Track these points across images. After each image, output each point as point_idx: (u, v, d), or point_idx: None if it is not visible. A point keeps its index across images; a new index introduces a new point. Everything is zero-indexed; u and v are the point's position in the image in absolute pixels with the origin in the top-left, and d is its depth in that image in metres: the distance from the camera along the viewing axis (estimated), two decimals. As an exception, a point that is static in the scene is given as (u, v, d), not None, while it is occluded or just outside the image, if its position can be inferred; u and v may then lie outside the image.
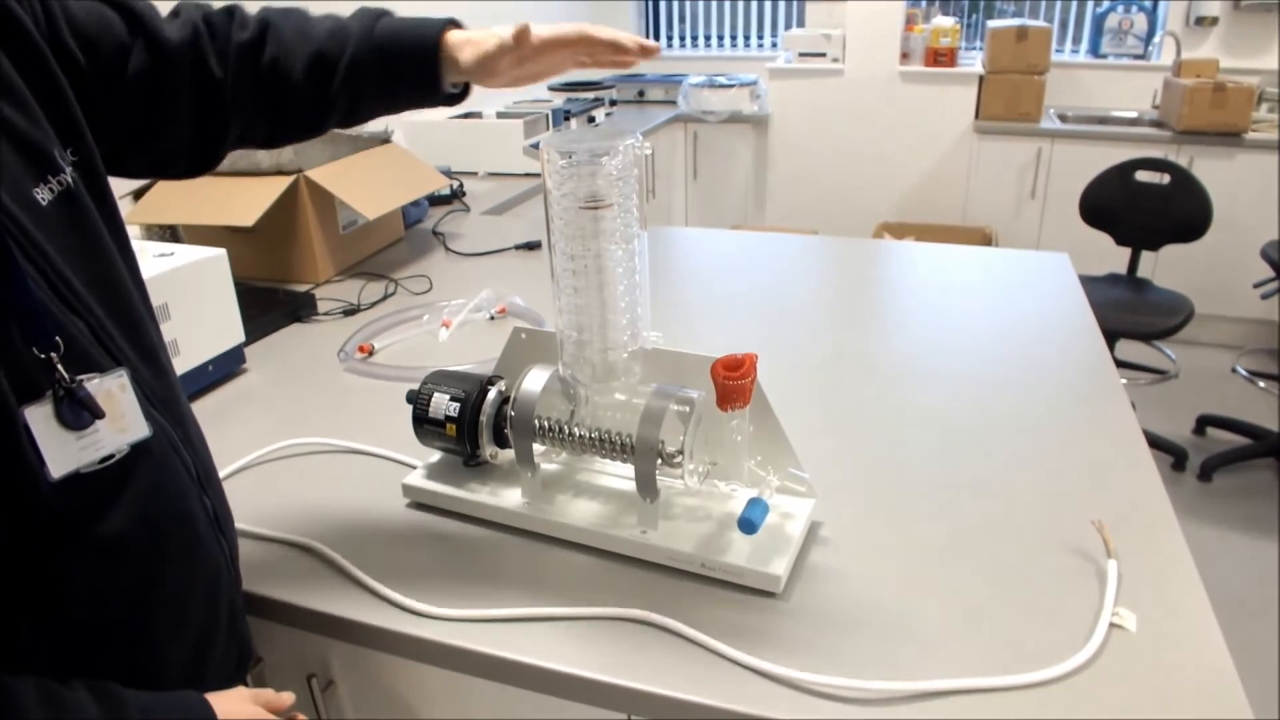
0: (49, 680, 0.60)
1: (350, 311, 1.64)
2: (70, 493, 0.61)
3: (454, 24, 0.90)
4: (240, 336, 1.38)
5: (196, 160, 0.88)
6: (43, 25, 0.69)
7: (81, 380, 0.62)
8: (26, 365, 0.59)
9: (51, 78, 0.68)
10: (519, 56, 0.88)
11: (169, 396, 0.73)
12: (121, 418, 0.66)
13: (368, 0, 0.93)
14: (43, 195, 0.64)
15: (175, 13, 0.84)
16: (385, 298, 1.72)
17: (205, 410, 1.28)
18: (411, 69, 0.88)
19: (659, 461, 0.87)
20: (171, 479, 0.70)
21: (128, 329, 0.70)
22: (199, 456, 0.76)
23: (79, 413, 0.62)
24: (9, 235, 0.59)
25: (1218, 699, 0.73)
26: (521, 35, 0.86)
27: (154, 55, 0.79)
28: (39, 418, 0.59)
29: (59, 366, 0.61)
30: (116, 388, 0.65)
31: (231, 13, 0.87)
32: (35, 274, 0.61)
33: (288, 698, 0.78)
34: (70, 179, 0.67)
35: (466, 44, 0.87)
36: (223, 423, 1.24)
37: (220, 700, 0.71)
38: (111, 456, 0.64)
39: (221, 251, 1.34)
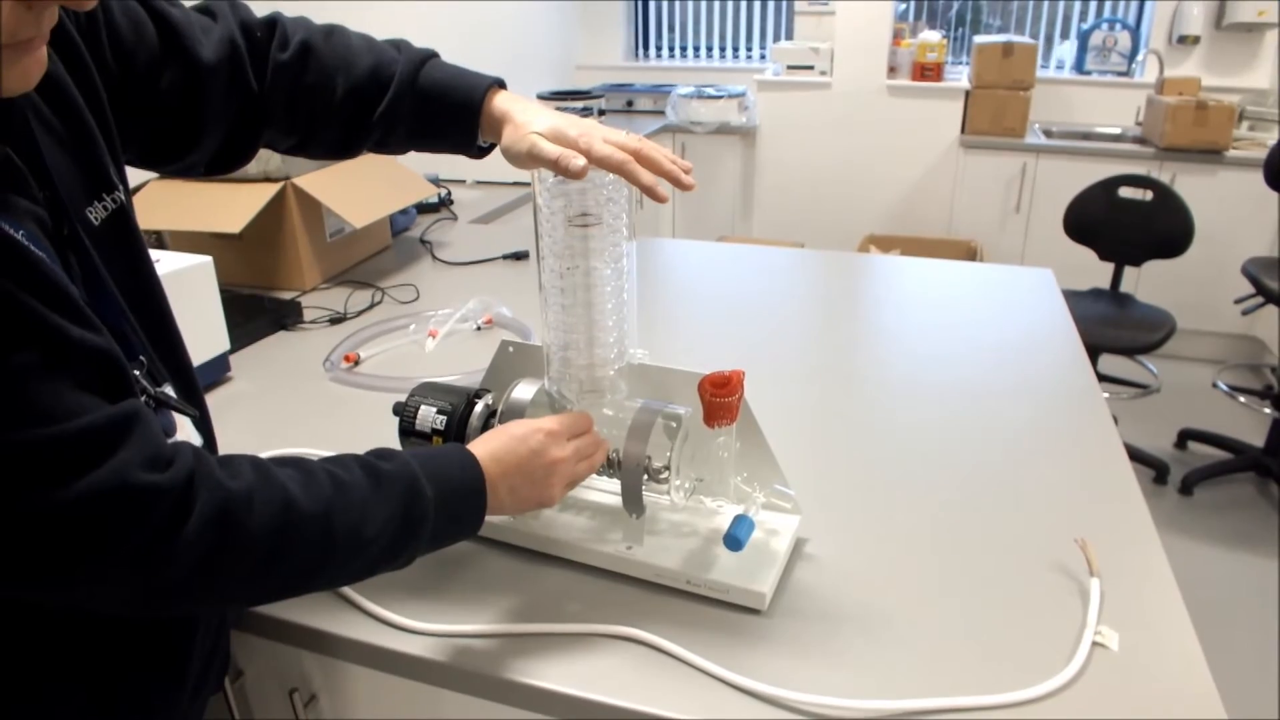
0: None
1: (336, 320, 1.63)
2: None
3: (499, 85, 0.87)
4: (225, 344, 1.37)
5: (220, 164, 0.87)
6: (85, 33, 0.68)
7: (162, 390, 0.64)
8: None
9: (99, 96, 0.68)
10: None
11: (201, 417, 0.75)
12: (181, 429, 0.69)
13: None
14: (95, 214, 0.64)
15: (211, 13, 0.81)
16: (372, 306, 1.71)
17: (189, 419, 1.27)
18: (449, 126, 0.87)
19: (645, 477, 0.87)
20: None
21: (164, 349, 0.71)
22: None
23: (169, 416, 0.64)
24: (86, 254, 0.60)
25: (1198, 715, 0.74)
26: (566, 169, 0.76)
27: (189, 74, 0.77)
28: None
29: (143, 380, 0.62)
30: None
31: (273, 26, 0.85)
32: (112, 298, 0.62)
33: (582, 420, 0.86)
34: (122, 197, 0.67)
35: (508, 124, 0.82)
36: (206, 432, 1.23)
37: (478, 446, 0.79)
38: None
39: (207, 259, 1.33)
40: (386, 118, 0.86)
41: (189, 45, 0.76)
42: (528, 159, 0.78)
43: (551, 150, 0.76)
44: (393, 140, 0.89)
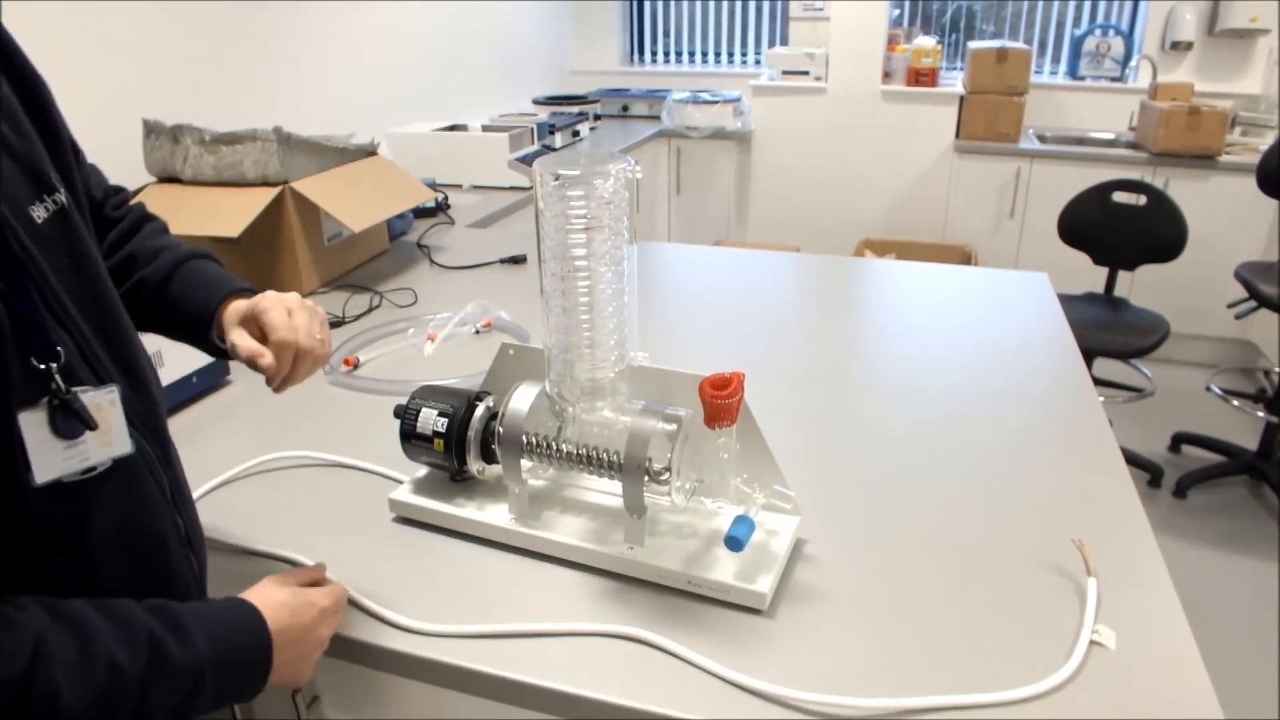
0: (100, 599, 0.63)
1: (335, 324, 1.63)
2: (49, 500, 0.62)
3: (239, 293, 0.91)
4: (225, 349, 1.37)
5: None
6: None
7: (76, 392, 0.63)
8: (25, 373, 0.60)
9: (48, 109, 0.70)
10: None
11: (150, 416, 0.74)
12: (109, 431, 0.67)
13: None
14: (38, 213, 0.66)
15: (93, 168, 0.92)
16: (370, 310, 1.72)
17: (189, 422, 1.27)
18: (183, 321, 0.92)
19: (646, 479, 0.88)
20: (145, 497, 0.71)
21: (114, 347, 0.71)
22: (174, 476, 0.77)
23: (72, 423, 0.63)
24: (15, 247, 0.60)
25: (1194, 714, 0.74)
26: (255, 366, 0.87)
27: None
28: (32, 423, 0.60)
29: (56, 377, 0.62)
30: (107, 402, 0.66)
31: (119, 190, 0.96)
32: (32, 289, 0.62)
33: (319, 570, 0.83)
34: (64, 199, 0.68)
35: (235, 329, 0.88)
36: (207, 435, 1.23)
37: (257, 595, 0.74)
38: (94, 469, 0.65)
39: (207, 263, 1.33)
40: (133, 290, 0.90)
41: (84, 165, 0.84)
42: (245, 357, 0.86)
43: (243, 350, 0.86)
44: (140, 317, 0.91)
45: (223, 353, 0.91)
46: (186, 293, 0.90)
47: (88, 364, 0.67)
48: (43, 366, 0.61)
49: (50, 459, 0.62)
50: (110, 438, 0.67)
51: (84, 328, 0.67)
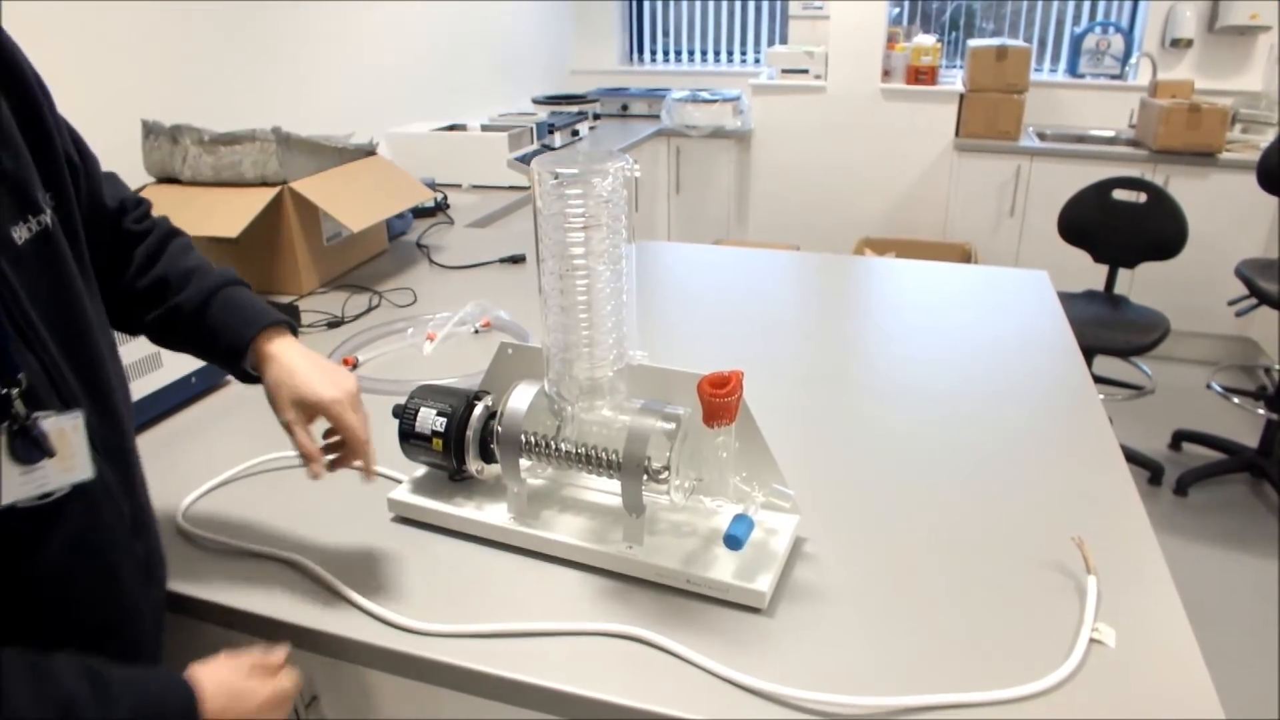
0: (30, 652, 0.61)
1: (334, 324, 1.63)
2: (2, 524, 0.61)
3: (279, 327, 0.93)
4: (224, 349, 1.37)
5: None
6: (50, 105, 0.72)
7: (38, 418, 0.63)
8: None
9: (41, 122, 0.70)
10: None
11: (115, 441, 0.73)
12: (70, 457, 0.66)
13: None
14: (19, 234, 0.65)
15: (109, 177, 0.90)
16: (369, 310, 1.71)
17: (189, 422, 1.27)
18: (218, 348, 0.92)
19: (645, 477, 0.88)
20: (102, 526, 0.70)
21: (83, 370, 0.70)
22: (137, 503, 0.76)
23: (30, 449, 0.62)
24: None
25: (1195, 712, 0.74)
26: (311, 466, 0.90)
27: (91, 207, 0.83)
28: None
29: (16, 402, 0.61)
30: (70, 428, 0.66)
31: (139, 204, 0.94)
32: (0, 310, 0.61)
33: (277, 655, 0.79)
34: (50, 220, 0.68)
35: (271, 364, 0.90)
36: (206, 435, 1.23)
37: (205, 671, 0.71)
38: (51, 494, 0.64)
39: (206, 264, 1.33)
40: (169, 316, 0.91)
41: (95, 174, 0.84)
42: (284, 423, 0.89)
43: (304, 444, 0.88)
44: (170, 342, 0.94)
45: (252, 379, 0.93)
46: (222, 322, 0.91)
47: (54, 387, 0.66)
48: (2, 391, 0.60)
49: (6, 484, 0.61)
50: (71, 463, 0.66)
51: (53, 350, 0.67)
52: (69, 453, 0.65)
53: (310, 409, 0.88)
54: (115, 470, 0.72)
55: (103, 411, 0.72)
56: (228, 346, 0.91)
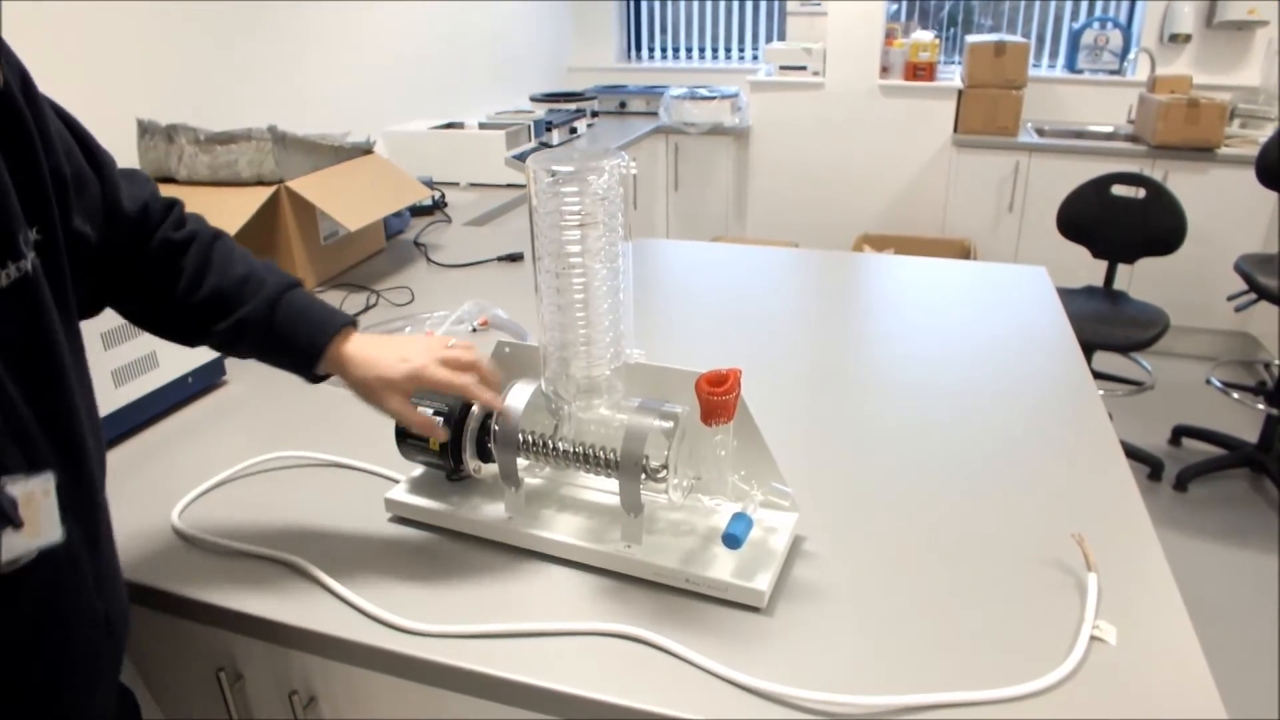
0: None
1: (332, 323, 1.63)
2: None
3: (351, 326, 0.93)
4: (220, 349, 1.37)
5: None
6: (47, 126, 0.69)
7: (4, 483, 0.60)
8: None
9: (32, 156, 0.66)
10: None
11: (85, 498, 0.70)
12: (39, 523, 0.63)
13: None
14: None
15: (130, 176, 0.88)
16: (367, 309, 1.71)
17: (186, 423, 1.27)
18: (290, 357, 0.93)
19: (643, 476, 0.87)
20: (65, 588, 0.68)
21: (54, 424, 0.67)
22: (102, 560, 0.73)
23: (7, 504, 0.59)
24: None
25: (1196, 709, 0.74)
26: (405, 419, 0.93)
27: (109, 215, 0.81)
28: None
29: None
30: (40, 492, 0.63)
31: (172, 207, 0.91)
32: None
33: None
34: (30, 265, 0.64)
35: (350, 365, 0.91)
36: (203, 436, 1.23)
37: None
38: (16, 562, 0.61)
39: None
40: (236, 328, 0.90)
41: (110, 178, 0.82)
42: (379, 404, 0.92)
43: (415, 421, 0.93)
44: (238, 350, 0.94)
45: (318, 379, 0.94)
46: (292, 332, 0.91)
47: (19, 447, 0.63)
48: None
49: None
50: (39, 529, 0.63)
51: (21, 409, 0.63)
52: (37, 519, 0.62)
53: (403, 389, 0.90)
54: (82, 528, 0.69)
55: (73, 467, 0.68)
56: (301, 355, 0.91)
